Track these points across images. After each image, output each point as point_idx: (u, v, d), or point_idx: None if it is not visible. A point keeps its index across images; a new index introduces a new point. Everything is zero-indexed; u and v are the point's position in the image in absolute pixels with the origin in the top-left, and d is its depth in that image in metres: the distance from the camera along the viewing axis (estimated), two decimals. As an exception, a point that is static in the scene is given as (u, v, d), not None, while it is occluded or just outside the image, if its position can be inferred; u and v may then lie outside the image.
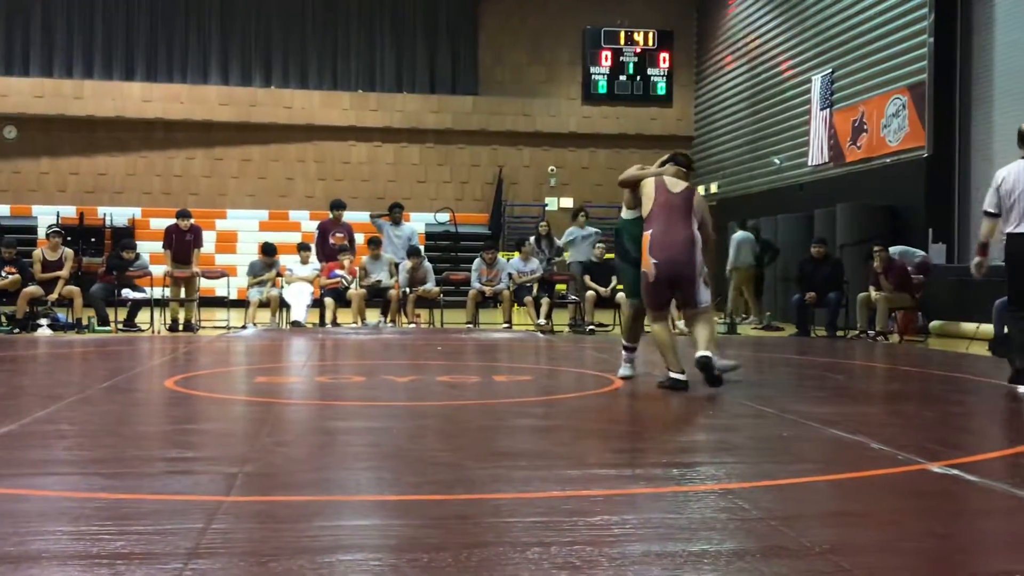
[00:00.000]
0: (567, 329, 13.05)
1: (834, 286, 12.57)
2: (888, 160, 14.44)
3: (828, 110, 16.15)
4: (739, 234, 15.34)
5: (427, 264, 13.69)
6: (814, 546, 2.75)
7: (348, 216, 14.66)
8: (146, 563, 2.52)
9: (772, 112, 18.44)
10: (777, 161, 18.03)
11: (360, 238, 15.23)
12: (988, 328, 10.53)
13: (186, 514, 3.07)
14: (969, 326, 11.41)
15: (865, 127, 15.01)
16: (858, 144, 15.23)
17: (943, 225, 13.50)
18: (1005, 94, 12.81)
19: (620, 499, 3.38)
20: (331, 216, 14.18)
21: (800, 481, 3.71)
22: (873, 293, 12.07)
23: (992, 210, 6.80)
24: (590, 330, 12.77)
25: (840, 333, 12.48)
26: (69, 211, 19.86)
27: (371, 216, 14.82)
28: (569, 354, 9.60)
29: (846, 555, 2.67)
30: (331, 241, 13.87)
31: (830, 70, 16.15)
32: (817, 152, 16.51)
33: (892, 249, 12.46)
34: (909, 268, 12.25)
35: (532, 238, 14.40)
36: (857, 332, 12.39)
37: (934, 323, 12.91)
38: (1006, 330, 9.91)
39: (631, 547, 2.75)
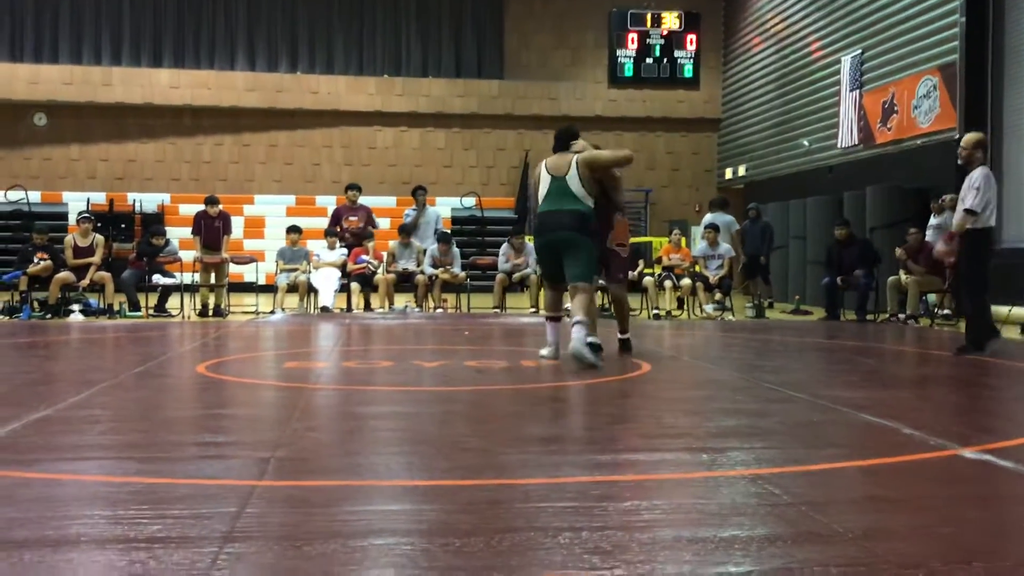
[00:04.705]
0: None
1: (863, 267, 12.45)
2: (919, 142, 14.29)
3: (858, 91, 15.99)
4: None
5: (455, 249, 13.70)
6: (846, 532, 2.75)
7: (375, 201, 14.60)
8: (183, 547, 2.55)
9: (801, 94, 18.29)
10: (806, 143, 17.88)
11: (385, 222, 15.22)
12: (1021, 311, 10.42)
13: (220, 498, 3.10)
14: (1001, 309, 11.28)
15: (895, 108, 14.85)
16: (888, 126, 15.07)
17: (975, 207, 13.32)
18: (1039, 74, 12.63)
19: (650, 484, 3.38)
20: (346, 198, 14.06)
21: (831, 466, 3.69)
22: (903, 276, 11.96)
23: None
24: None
25: (870, 317, 12.38)
26: (99, 197, 20.06)
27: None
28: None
29: (878, 541, 2.66)
30: (344, 225, 13.74)
31: (860, 51, 15.98)
32: (847, 134, 16.37)
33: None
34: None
35: None
36: (887, 316, 12.29)
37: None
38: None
39: (661, 532, 2.76)
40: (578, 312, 6.89)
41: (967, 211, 7.82)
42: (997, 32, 13.27)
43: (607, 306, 12.95)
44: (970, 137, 8.32)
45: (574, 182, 7.11)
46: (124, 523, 2.79)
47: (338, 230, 13.63)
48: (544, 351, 7.35)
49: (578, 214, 7.06)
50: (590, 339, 6.79)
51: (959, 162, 8.34)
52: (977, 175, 7.91)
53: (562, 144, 7.39)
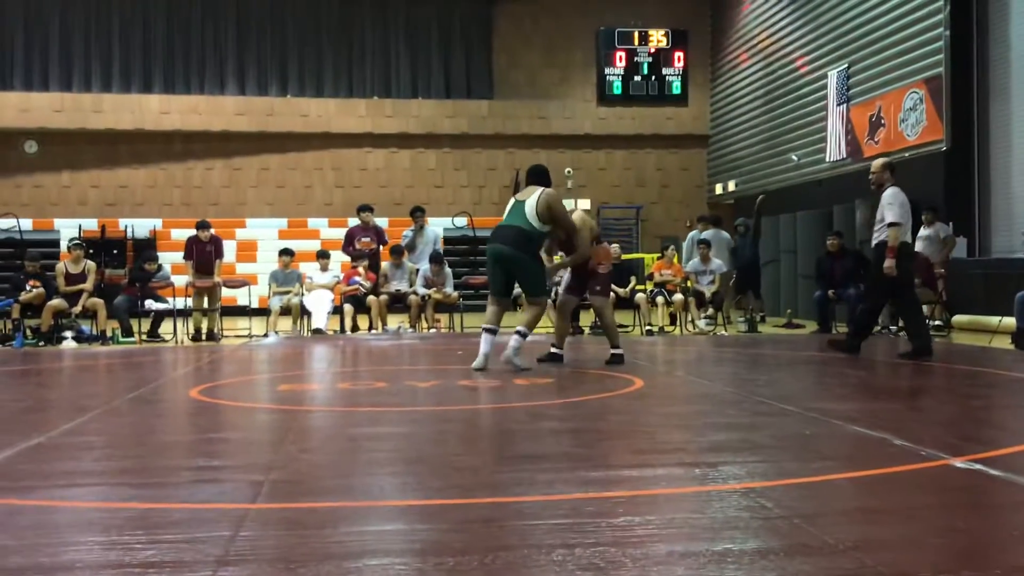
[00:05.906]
0: (588, 330, 13.04)
1: (855, 279, 12.50)
2: (906, 154, 14.37)
3: (845, 105, 16.10)
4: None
5: (447, 269, 13.72)
6: (838, 543, 2.76)
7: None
8: (177, 571, 2.56)
9: (788, 109, 18.40)
10: (795, 158, 17.97)
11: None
12: (1010, 321, 10.48)
13: (214, 522, 3.11)
14: (991, 319, 11.34)
15: (883, 122, 14.95)
16: (876, 139, 15.17)
17: (964, 218, 13.43)
18: (1023, 85, 12.74)
19: (643, 500, 3.39)
20: (359, 219, 14.11)
21: (823, 479, 3.71)
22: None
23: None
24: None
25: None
26: (91, 224, 20.05)
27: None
28: (590, 356, 9.59)
29: (870, 552, 2.68)
30: (357, 246, 13.82)
31: (846, 65, 16.10)
32: (835, 148, 16.46)
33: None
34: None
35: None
36: (879, 328, 12.32)
37: (957, 317, 12.84)
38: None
39: (655, 547, 2.77)
40: (521, 324, 7.87)
41: (894, 224, 8.40)
42: (982, 45, 13.39)
43: (597, 323, 12.98)
44: (878, 162, 9.09)
45: (530, 208, 7.76)
46: (118, 548, 2.79)
47: (351, 249, 13.74)
48: (475, 363, 7.83)
49: (521, 231, 7.71)
50: (614, 350, 8.34)
51: (871, 187, 8.98)
52: (889, 194, 8.57)
53: (533, 179, 8.07)
